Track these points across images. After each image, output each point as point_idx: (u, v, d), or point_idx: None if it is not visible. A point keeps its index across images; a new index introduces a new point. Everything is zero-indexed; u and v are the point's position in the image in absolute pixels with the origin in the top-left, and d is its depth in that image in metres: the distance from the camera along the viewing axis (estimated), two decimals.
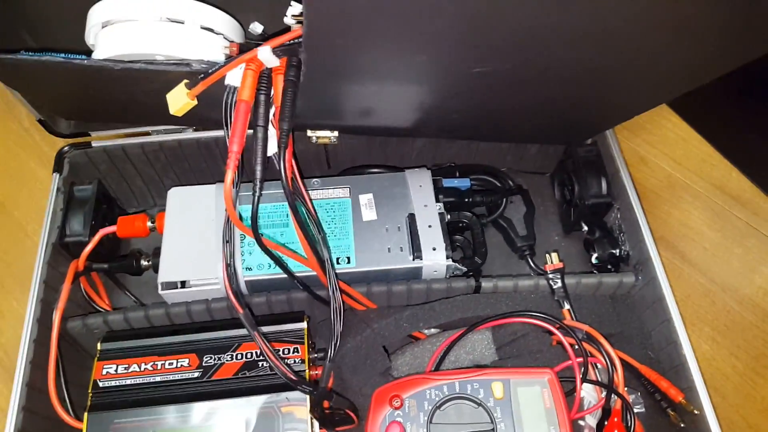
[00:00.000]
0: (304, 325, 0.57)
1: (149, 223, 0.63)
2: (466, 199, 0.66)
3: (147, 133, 0.66)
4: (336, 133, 0.63)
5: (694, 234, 0.74)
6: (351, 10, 0.38)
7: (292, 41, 0.45)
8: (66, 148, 0.65)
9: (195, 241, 0.60)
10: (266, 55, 0.46)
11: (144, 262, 0.63)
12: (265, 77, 0.48)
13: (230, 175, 0.46)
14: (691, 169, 0.77)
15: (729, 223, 0.74)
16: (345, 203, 0.63)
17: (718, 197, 0.75)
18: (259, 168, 0.48)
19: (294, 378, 0.51)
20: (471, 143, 0.70)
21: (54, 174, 0.65)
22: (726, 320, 0.68)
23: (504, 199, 0.68)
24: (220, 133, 0.65)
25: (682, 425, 0.53)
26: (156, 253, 0.62)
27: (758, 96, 0.77)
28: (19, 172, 0.79)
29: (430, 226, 0.61)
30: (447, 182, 0.66)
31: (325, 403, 0.53)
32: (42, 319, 0.57)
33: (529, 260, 0.67)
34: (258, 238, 0.50)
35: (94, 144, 0.65)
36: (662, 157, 0.78)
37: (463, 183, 0.66)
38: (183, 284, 0.58)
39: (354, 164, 0.71)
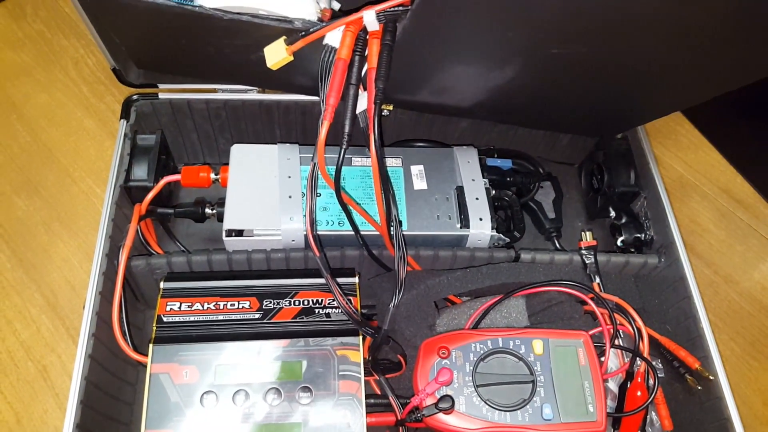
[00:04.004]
0: (356, 279, 0.61)
1: (213, 175, 0.66)
2: (507, 179, 0.71)
3: (214, 91, 0.69)
4: (390, 107, 0.67)
5: (701, 231, 0.80)
6: None
7: (395, 8, 0.50)
8: (135, 96, 0.67)
9: (257, 195, 0.63)
10: (371, 18, 0.49)
11: (208, 210, 0.65)
12: (360, 41, 0.52)
13: (326, 125, 0.50)
14: (701, 172, 0.85)
15: (733, 223, 0.81)
16: (398, 172, 0.67)
17: (724, 199, 0.83)
18: (347, 123, 0.52)
19: (359, 319, 0.55)
20: (510, 129, 0.75)
21: (121, 120, 0.67)
22: (727, 309, 0.75)
23: (536, 184, 0.74)
24: (283, 96, 0.69)
25: (699, 387, 0.59)
26: (220, 203, 0.65)
27: (763, 110, 0.85)
28: (66, 121, 0.81)
29: (477, 199, 0.65)
30: (490, 161, 0.71)
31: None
32: (110, 255, 0.60)
33: (556, 242, 0.73)
34: (338, 189, 0.54)
35: (160, 96, 0.68)
36: (675, 159, 0.85)
37: (505, 163, 0.72)
38: (242, 233, 0.62)
39: (400, 138, 0.75)
